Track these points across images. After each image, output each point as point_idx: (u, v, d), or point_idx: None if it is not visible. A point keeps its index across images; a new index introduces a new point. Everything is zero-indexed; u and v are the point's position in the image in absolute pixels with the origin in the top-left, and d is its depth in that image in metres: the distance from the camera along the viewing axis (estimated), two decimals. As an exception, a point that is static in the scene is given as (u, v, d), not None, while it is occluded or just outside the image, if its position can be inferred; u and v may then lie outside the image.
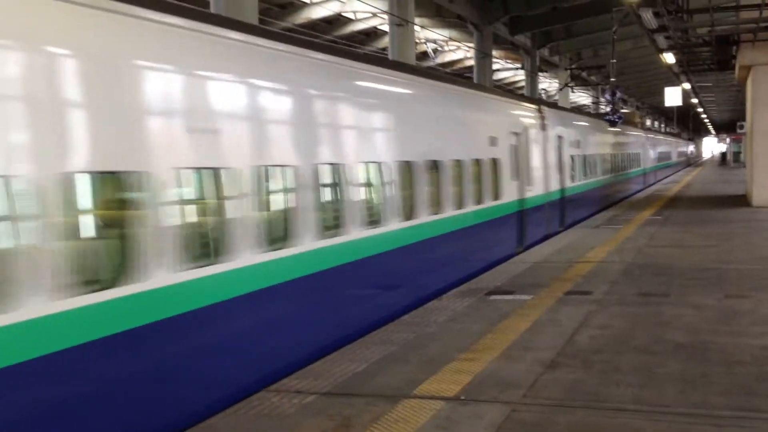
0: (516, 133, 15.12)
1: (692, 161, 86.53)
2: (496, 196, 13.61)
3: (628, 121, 35.08)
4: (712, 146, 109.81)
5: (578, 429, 5.24)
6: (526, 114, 16.40)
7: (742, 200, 24.68)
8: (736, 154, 68.70)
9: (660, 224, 18.53)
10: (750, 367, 6.50)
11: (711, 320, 8.26)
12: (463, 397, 5.93)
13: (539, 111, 17.53)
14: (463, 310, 9.19)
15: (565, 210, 19.13)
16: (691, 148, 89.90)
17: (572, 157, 20.47)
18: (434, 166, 10.79)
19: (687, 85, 43.08)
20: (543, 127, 17.38)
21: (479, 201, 12.62)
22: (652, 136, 44.98)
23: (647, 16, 19.64)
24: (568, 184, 19.72)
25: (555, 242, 15.56)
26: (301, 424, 5.45)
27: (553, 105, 24.65)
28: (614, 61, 32.47)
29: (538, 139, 16.95)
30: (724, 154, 78.45)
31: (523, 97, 19.97)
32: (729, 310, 8.69)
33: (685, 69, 31.92)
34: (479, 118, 13.39)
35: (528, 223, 15.55)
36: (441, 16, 31.75)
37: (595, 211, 23.25)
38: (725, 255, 13.02)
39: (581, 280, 11.02)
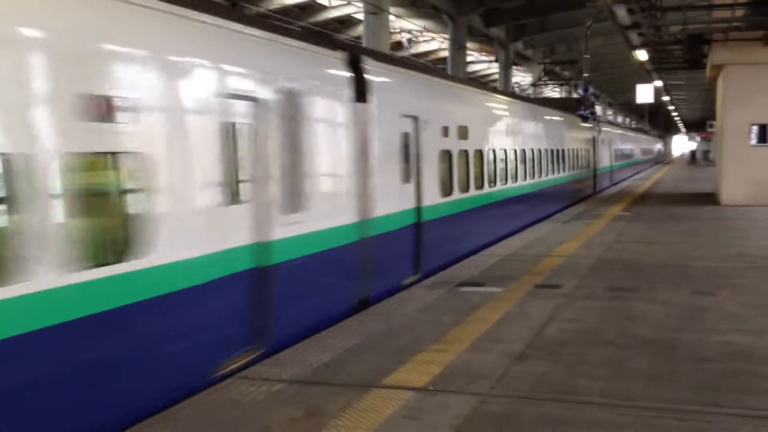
0: (255, 100, 7.22)
1: (660, 160, 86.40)
2: (129, 251, 5.54)
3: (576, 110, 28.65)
4: (682, 144, 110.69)
5: (545, 421, 5.26)
6: (295, 61, 8.27)
7: (710, 198, 24.96)
8: (706, 153, 69.64)
9: (629, 220, 18.68)
10: (715, 362, 6.57)
11: (678, 316, 8.34)
12: (431, 388, 5.94)
13: (352, 65, 9.45)
14: (434, 301, 9.21)
15: (422, 244, 11.50)
16: (659, 145, 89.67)
17: (445, 155, 12.78)
18: None
19: (659, 83, 43.54)
20: (360, 96, 9.48)
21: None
22: (608, 129, 37.42)
23: (621, 12, 19.83)
24: (432, 200, 12.00)
25: (525, 236, 15.63)
26: (269, 412, 5.42)
27: (404, 62, 14.12)
28: (587, 56, 32.68)
29: (341, 118, 9.12)
30: (693, 153, 79.41)
31: (292, 32, 9.20)
32: (695, 306, 8.78)
33: (657, 66, 32.24)
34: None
35: (290, 292, 7.69)
36: (416, 6, 31.78)
37: (501, 236, 15.95)
38: (693, 252, 13.16)
39: (551, 273, 11.08)
